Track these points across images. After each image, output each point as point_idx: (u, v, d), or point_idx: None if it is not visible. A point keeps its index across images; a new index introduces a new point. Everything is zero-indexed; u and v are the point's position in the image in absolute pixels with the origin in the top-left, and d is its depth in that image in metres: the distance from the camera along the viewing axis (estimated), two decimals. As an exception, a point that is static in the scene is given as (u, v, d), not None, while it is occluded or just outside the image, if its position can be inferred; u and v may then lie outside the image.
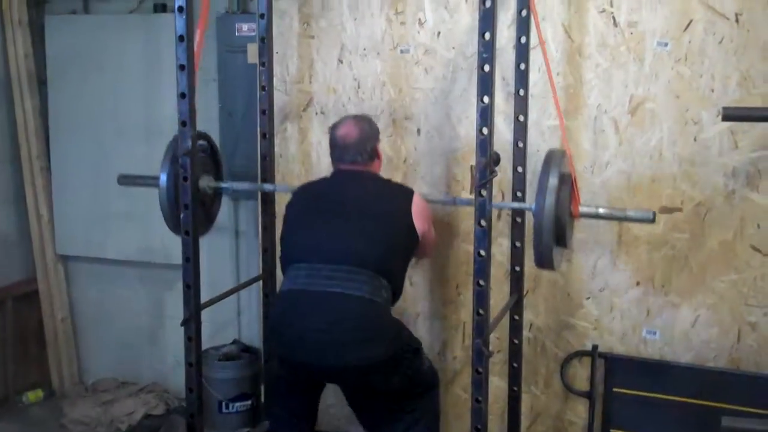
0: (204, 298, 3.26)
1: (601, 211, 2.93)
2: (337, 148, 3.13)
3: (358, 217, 2.99)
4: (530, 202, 2.94)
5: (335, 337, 2.83)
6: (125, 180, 3.49)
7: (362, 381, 2.99)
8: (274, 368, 3.17)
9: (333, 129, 3.16)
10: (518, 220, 3.30)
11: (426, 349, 3.57)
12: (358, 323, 2.85)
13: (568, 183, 2.86)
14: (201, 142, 3.30)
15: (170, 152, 3.22)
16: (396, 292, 3.03)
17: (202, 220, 3.31)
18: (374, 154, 3.15)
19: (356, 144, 3.09)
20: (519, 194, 3.28)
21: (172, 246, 3.56)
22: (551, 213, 2.75)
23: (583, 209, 2.91)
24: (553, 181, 2.77)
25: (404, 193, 3.10)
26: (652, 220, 2.83)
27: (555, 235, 2.80)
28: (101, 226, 4.41)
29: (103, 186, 4.27)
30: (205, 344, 3.67)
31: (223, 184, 3.44)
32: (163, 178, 3.22)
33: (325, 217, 3.03)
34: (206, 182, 3.31)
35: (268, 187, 3.58)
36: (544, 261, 2.84)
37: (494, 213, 3.31)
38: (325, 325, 2.84)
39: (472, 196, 2.73)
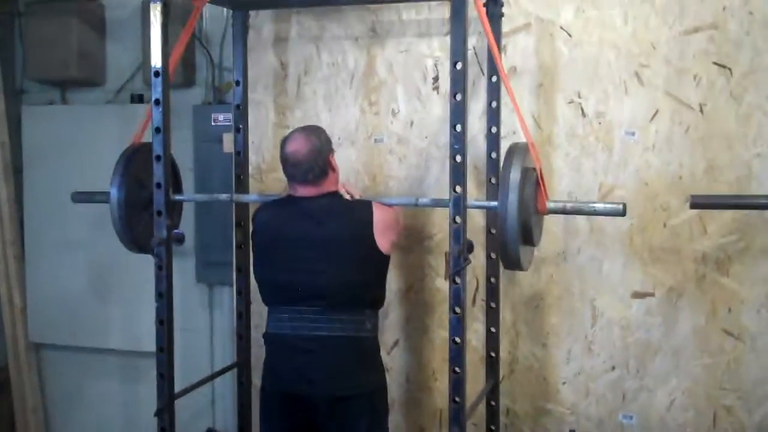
0: (178, 386, 3.24)
1: (568, 206, 2.84)
2: (288, 165, 3.03)
3: (325, 255, 2.98)
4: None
5: (326, 371, 2.96)
6: (80, 197, 3.47)
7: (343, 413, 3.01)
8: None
9: (283, 144, 3.06)
10: (492, 305, 3.32)
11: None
12: (347, 359, 2.98)
13: (532, 178, 2.75)
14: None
15: (121, 166, 3.23)
16: (378, 307, 3.11)
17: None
18: (327, 168, 3.03)
19: (307, 160, 2.98)
20: (492, 279, 3.31)
21: (147, 334, 3.54)
22: (515, 209, 2.65)
23: (550, 205, 2.80)
24: (515, 175, 2.67)
25: (363, 214, 3.01)
26: (623, 213, 2.70)
27: (521, 233, 2.70)
28: (74, 315, 4.38)
29: (77, 274, 4.26)
30: (180, 433, 3.63)
31: (182, 197, 3.44)
32: (114, 192, 3.21)
33: (293, 257, 3.01)
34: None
35: (224, 197, 3.50)
36: (512, 261, 2.77)
37: (468, 299, 3.33)
38: (315, 361, 2.96)
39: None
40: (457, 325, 2.71)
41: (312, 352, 2.97)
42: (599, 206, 2.77)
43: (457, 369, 2.73)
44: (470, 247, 2.77)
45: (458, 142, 2.68)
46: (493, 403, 3.37)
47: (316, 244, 3.00)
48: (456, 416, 2.73)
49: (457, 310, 2.71)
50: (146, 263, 3.29)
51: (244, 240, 3.62)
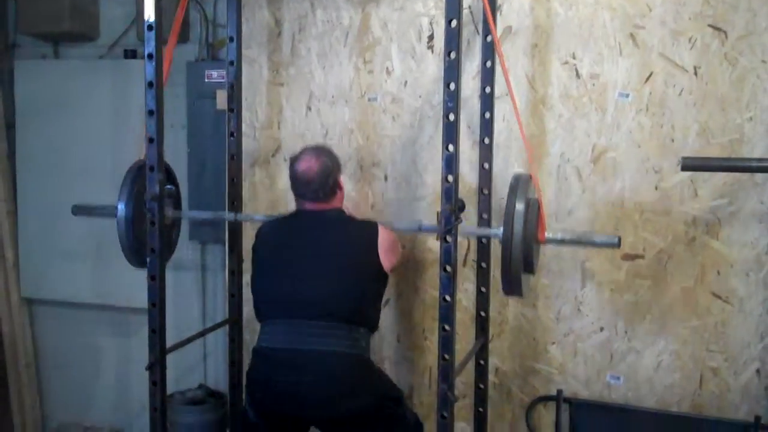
0: (169, 341, 3.26)
1: (567, 237, 2.91)
2: (298, 183, 3.11)
3: (328, 267, 3.02)
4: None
5: (319, 394, 2.92)
6: (80, 210, 3.43)
7: (350, 427, 3.05)
8: (250, 416, 3.15)
9: (293, 163, 3.12)
10: (483, 265, 3.34)
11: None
12: (341, 379, 2.94)
13: (534, 208, 2.83)
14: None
15: (129, 181, 3.21)
16: (373, 329, 3.11)
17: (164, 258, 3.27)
18: (336, 188, 3.15)
19: (318, 179, 3.07)
20: (484, 241, 3.32)
21: (138, 289, 3.55)
22: (519, 239, 2.74)
23: (549, 235, 2.87)
24: (519, 207, 2.76)
25: (369, 232, 3.10)
26: (617, 245, 2.78)
27: (523, 261, 2.79)
28: (67, 270, 4.39)
29: (69, 230, 4.26)
30: (170, 388, 3.65)
31: (184, 213, 3.50)
32: (121, 207, 3.19)
33: (296, 267, 3.05)
34: (167, 212, 3.28)
35: (228, 216, 3.57)
36: (513, 288, 2.83)
37: (459, 258, 3.35)
38: (308, 384, 2.92)
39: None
40: (447, 283, 2.72)
41: (306, 368, 2.93)
42: (596, 238, 2.89)
43: (446, 327, 2.74)
44: (462, 207, 2.78)
45: (452, 101, 2.67)
46: (482, 361, 3.39)
47: (320, 253, 3.04)
48: (445, 374, 2.75)
49: (448, 268, 2.71)
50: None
51: (236, 196, 3.63)
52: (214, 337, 4.19)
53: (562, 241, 2.90)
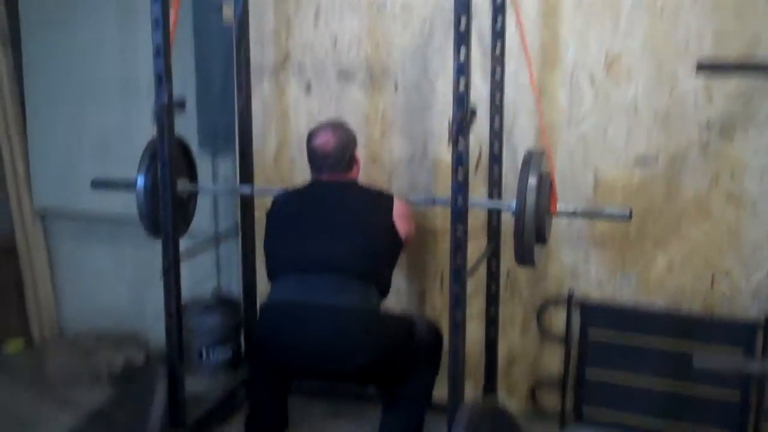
0: (183, 247, 3.32)
1: (578, 209, 3.03)
2: (315, 157, 3.15)
3: (342, 227, 3.04)
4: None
5: (331, 349, 2.93)
6: (99, 184, 3.52)
7: (361, 379, 3.14)
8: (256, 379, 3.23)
9: (310, 138, 3.17)
10: (495, 171, 3.34)
11: (405, 298, 3.66)
12: (352, 334, 2.93)
13: (547, 182, 2.89)
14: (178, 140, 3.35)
15: (147, 155, 3.27)
16: (384, 294, 3.11)
17: (178, 222, 3.33)
18: (352, 162, 3.19)
19: (334, 154, 3.12)
20: (495, 148, 3.32)
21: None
22: (532, 213, 2.80)
23: (560, 208, 2.97)
24: (532, 181, 2.80)
25: (385, 199, 3.15)
26: (629, 219, 2.90)
27: (535, 233, 2.85)
28: (78, 182, 4.38)
29: (79, 142, 4.26)
30: (185, 297, 3.70)
31: (199, 187, 3.57)
32: (140, 180, 3.27)
33: (310, 228, 3.07)
34: (182, 186, 3.36)
35: (245, 189, 3.63)
36: (526, 260, 2.89)
37: (471, 166, 3.34)
38: (319, 337, 2.93)
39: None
40: (459, 188, 2.73)
41: (315, 322, 2.93)
42: (606, 210, 3.04)
43: (458, 229, 2.77)
44: (473, 113, 2.77)
45: (462, 7, 2.64)
46: (493, 265, 3.43)
47: (335, 216, 3.06)
48: (456, 276, 2.79)
49: (460, 173, 2.72)
50: (149, 132, 3.30)
51: (244, 109, 3.61)
52: (226, 248, 4.23)
53: (573, 214, 3.03)
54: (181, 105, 3.34)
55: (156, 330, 4.15)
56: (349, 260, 2.98)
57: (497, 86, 3.27)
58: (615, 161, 3.34)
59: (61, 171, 4.44)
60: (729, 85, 3.14)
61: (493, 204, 3.32)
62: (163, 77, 3.10)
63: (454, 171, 2.73)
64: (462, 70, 2.66)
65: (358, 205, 3.12)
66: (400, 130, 3.62)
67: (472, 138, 2.85)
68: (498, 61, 3.25)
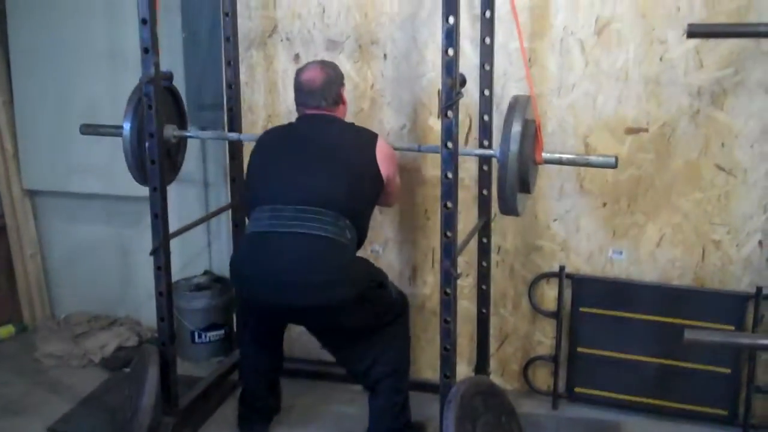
0: (173, 229, 3.27)
1: (564, 157, 2.94)
2: (301, 92, 3.11)
3: (322, 159, 3.00)
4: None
5: (299, 278, 2.86)
6: (88, 129, 3.48)
7: (327, 320, 3.02)
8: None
9: (298, 74, 3.14)
10: (485, 143, 3.30)
11: (396, 275, 3.64)
12: (322, 264, 2.87)
13: (532, 130, 2.85)
14: (165, 82, 3.29)
15: (134, 100, 3.22)
16: (361, 236, 3.05)
17: (167, 171, 3.28)
18: (339, 99, 3.15)
19: (321, 88, 3.08)
20: (486, 117, 3.28)
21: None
22: (515, 160, 2.75)
23: (546, 156, 2.91)
24: (516, 128, 2.76)
25: (369, 137, 3.10)
26: (614, 166, 2.84)
27: (519, 182, 2.81)
28: (67, 161, 4.36)
29: (67, 119, 4.21)
30: (176, 276, 3.69)
31: (187, 133, 3.48)
32: (127, 127, 3.23)
33: (290, 159, 3.03)
34: (170, 132, 3.31)
35: (232, 136, 3.57)
36: (509, 208, 2.86)
37: (461, 136, 3.30)
38: (289, 265, 2.87)
39: (438, 143, 2.71)
40: (449, 160, 2.69)
41: (285, 250, 2.88)
42: (592, 158, 2.90)
43: (448, 204, 2.72)
44: (463, 81, 2.73)
45: (451, -30, 2.60)
46: (484, 240, 3.40)
47: (316, 149, 3.02)
48: (448, 250, 2.75)
49: (449, 144, 2.68)
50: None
51: (233, 80, 3.57)
52: (217, 224, 4.20)
53: (559, 162, 2.95)
54: (168, 78, 3.30)
55: (147, 311, 4.14)
56: (327, 193, 2.93)
57: (487, 54, 3.22)
58: (605, 129, 3.31)
59: (50, 149, 4.38)
60: (720, 49, 3.11)
61: (480, 152, 3.20)
62: (150, 49, 3.05)
63: (444, 143, 2.66)
64: (451, 35, 2.61)
65: (339, 138, 3.07)
66: (389, 100, 3.58)
67: (462, 109, 2.82)
68: (487, 26, 3.19)
